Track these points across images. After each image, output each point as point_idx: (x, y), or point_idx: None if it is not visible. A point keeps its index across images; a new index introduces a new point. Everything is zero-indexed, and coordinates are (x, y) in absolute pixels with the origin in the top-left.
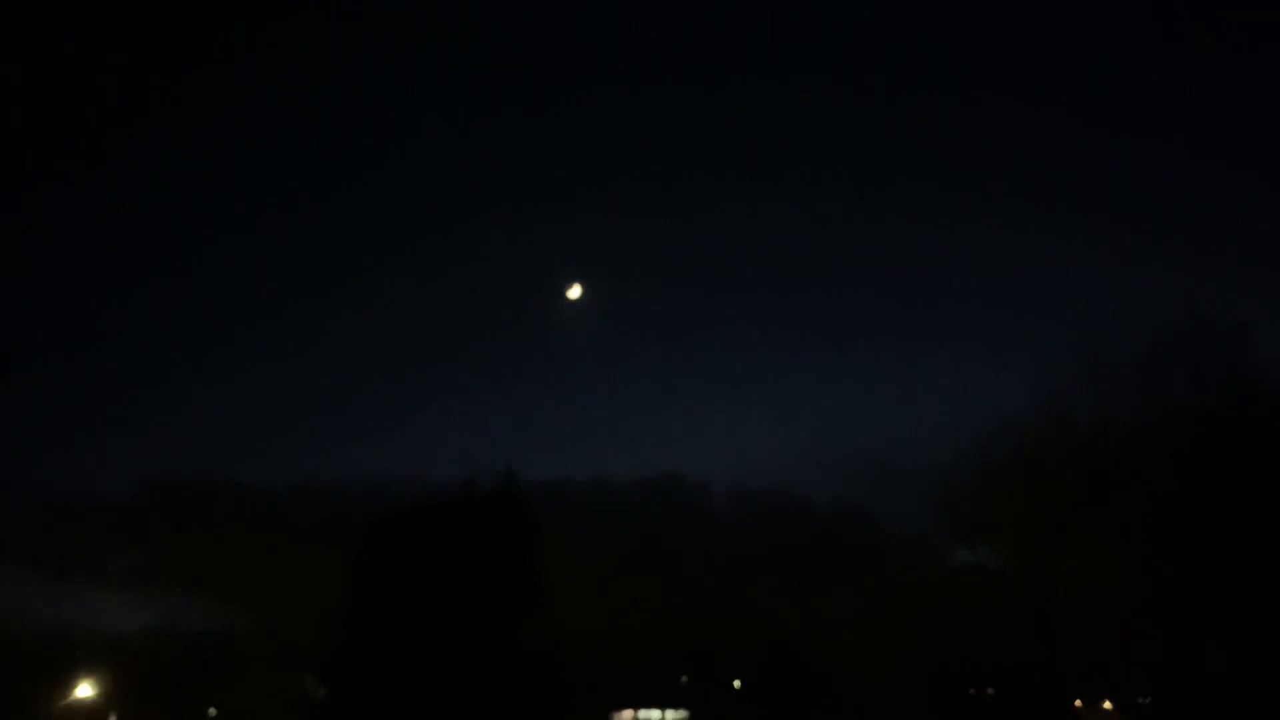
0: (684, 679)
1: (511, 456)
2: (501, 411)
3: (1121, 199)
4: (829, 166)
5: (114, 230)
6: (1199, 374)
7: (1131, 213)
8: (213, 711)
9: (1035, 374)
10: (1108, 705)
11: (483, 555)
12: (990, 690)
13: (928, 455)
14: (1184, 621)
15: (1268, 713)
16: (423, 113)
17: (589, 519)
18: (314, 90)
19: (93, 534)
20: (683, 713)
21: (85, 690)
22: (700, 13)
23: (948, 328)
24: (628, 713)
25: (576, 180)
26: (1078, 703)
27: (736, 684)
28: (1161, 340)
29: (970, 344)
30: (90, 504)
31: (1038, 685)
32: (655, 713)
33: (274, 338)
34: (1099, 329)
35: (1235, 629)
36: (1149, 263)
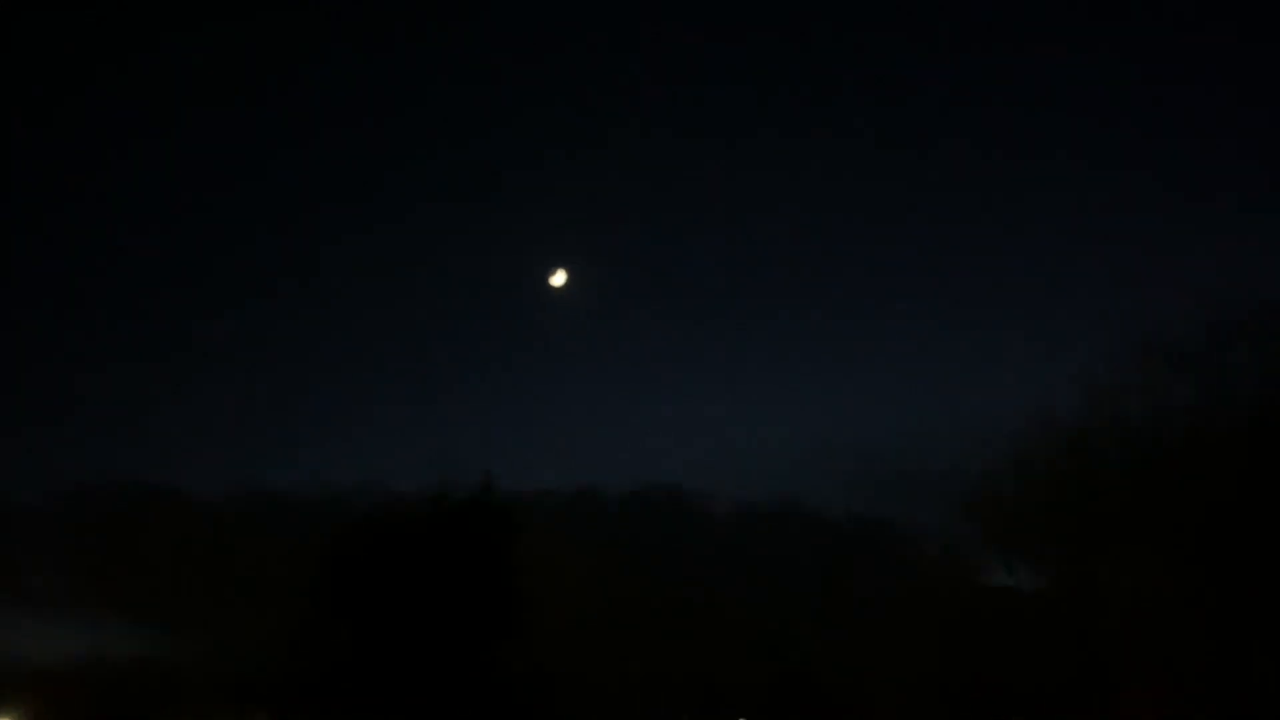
0: (684, 718)
1: (488, 463)
2: (476, 413)
3: (1175, 168)
4: (842, 136)
5: (35, 215)
6: (1264, 361)
7: (1186, 184)
8: None
9: (1079, 364)
10: None
11: (456, 573)
12: None
13: (956, 460)
14: (1248, 648)
15: None
16: (382, 89)
17: (576, 534)
18: (266, 80)
19: (5, 549)
20: None
21: None
22: None
23: (978, 313)
24: None
25: (559, 155)
26: None
27: None
28: (1222, 325)
29: (1004, 331)
30: (2, 514)
31: (1075, 717)
32: None
33: (216, 331)
34: (1151, 313)
35: None
36: (1206, 238)
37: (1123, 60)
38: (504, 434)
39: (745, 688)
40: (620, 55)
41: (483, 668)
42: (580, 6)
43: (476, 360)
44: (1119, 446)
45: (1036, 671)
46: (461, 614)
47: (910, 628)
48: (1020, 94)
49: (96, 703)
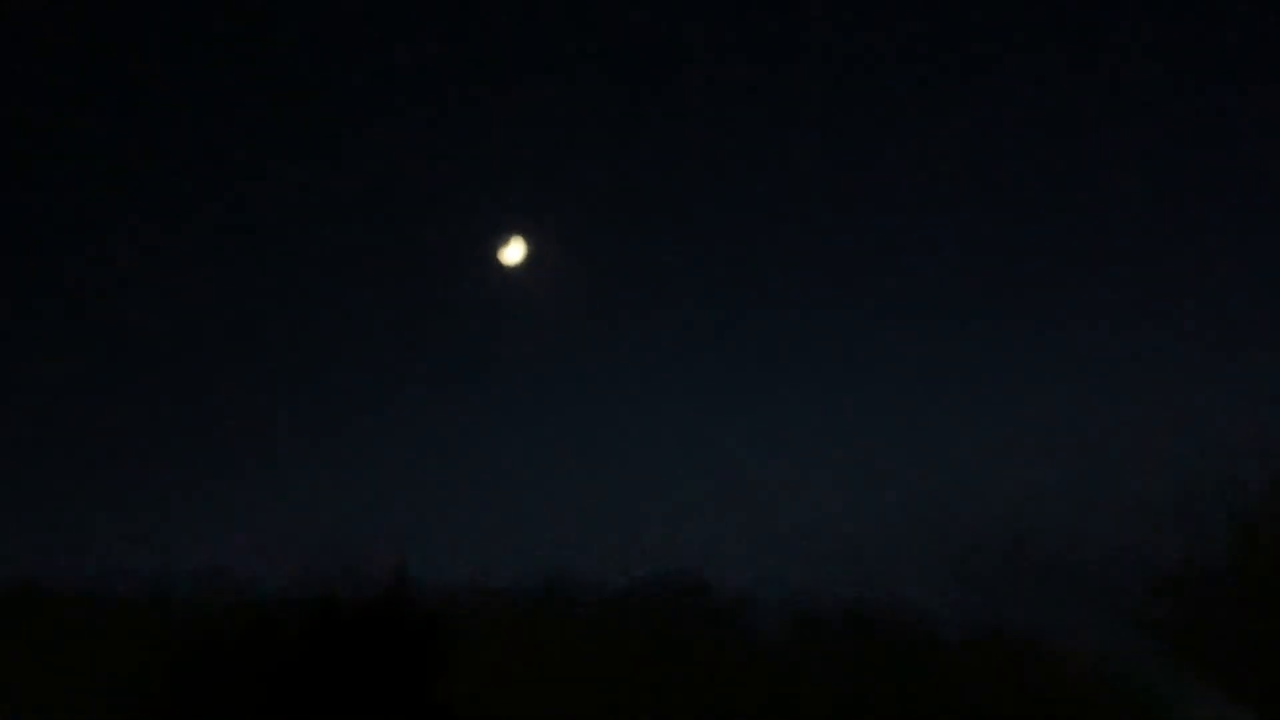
0: None
1: (405, 544)
2: (383, 466)
3: None
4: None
5: None
6: None
7: None
8: None
9: None
10: None
11: (357, 709)
12: None
13: (1123, 543)
14: None
15: None
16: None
17: (544, 648)
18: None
19: None
20: None
21: None
22: None
23: (1159, 320)
24: None
25: (513, 78)
26: None
27: None
28: None
29: (1197, 348)
30: None
31: None
32: None
33: None
34: None
35: None
36: None
37: None
38: (428, 499)
39: None
40: None
41: None
42: None
43: (386, 382)
44: None
45: None
46: None
47: None
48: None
49: None
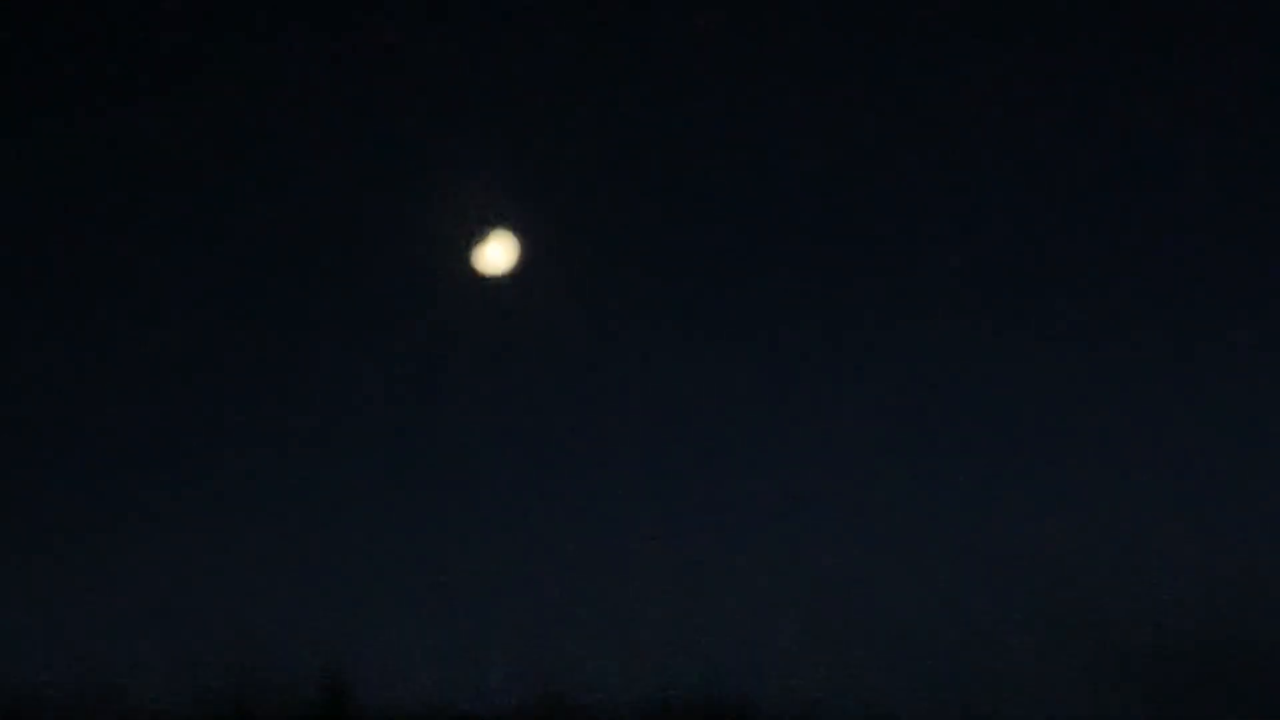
0: None
1: (344, 652)
2: (319, 548)
3: None
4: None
5: None
6: None
7: None
8: None
9: None
10: None
11: None
12: None
13: None
14: None
15: None
16: None
17: None
18: None
19: None
20: None
21: None
22: None
23: None
24: None
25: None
26: None
27: None
28: None
29: None
30: None
31: None
32: None
33: None
34: None
35: None
36: None
37: None
38: (377, 591)
39: None
40: None
41: None
42: None
43: (321, 436)
44: None
45: None
46: None
47: None
48: None
49: None
